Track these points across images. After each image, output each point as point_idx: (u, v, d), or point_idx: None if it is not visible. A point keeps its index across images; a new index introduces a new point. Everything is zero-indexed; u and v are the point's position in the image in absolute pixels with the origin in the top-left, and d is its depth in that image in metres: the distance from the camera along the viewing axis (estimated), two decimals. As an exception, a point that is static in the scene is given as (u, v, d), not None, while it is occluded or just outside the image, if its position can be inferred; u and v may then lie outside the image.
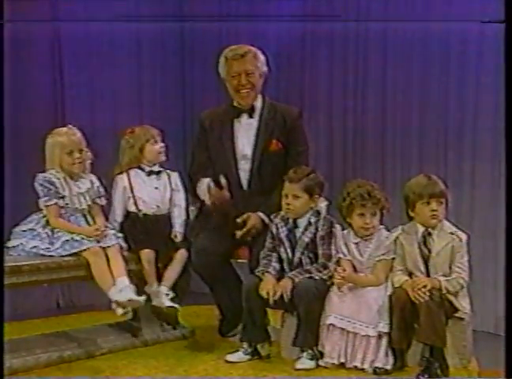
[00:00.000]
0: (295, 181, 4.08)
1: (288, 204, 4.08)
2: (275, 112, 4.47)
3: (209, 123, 4.51)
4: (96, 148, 4.39)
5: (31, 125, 5.21)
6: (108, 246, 4.10)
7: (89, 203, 4.24)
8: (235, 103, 4.46)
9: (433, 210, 3.86)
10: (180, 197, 4.48)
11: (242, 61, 4.38)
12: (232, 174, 4.43)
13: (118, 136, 4.50)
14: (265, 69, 4.48)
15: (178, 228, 4.41)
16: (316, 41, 5.54)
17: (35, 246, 4.06)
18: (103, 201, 4.33)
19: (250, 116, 4.44)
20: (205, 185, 4.39)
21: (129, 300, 3.96)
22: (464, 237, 3.86)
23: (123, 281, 4.02)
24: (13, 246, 4.09)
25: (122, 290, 3.97)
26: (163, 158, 4.44)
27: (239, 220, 4.30)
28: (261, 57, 4.46)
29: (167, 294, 4.22)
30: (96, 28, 5.63)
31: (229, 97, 4.50)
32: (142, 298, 4.02)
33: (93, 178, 4.31)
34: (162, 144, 4.42)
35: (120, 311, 3.98)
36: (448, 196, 3.90)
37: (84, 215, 4.22)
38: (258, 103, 4.48)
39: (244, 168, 4.44)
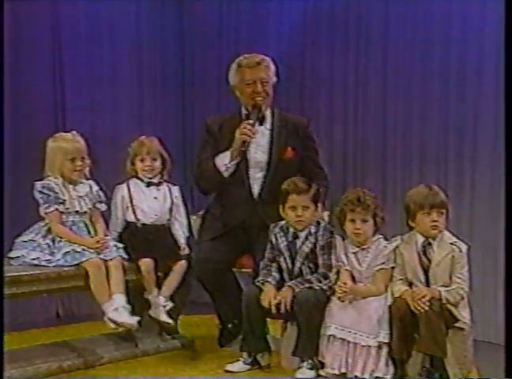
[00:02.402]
0: (305, 192, 4.08)
1: (299, 216, 4.07)
2: (286, 121, 4.48)
3: (218, 128, 4.48)
4: (96, 155, 4.39)
5: (31, 134, 5.19)
6: (109, 259, 4.11)
7: (90, 206, 4.24)
8: (244, 111, 4.44)
9: (433, 220, 3.85)
10: (181, 211, 4.48)
11: (257, 69, 4.38)
12: (243, 182, 4.41)
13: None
14: (275, 79, 4.48)
15: (183, 241, 4.41)
16: (316, 49, 5.54)
17: (36, 258, 4.06)
18: (103, 207, 4.33)
19: (261, 124, 4.43)
20: (226, 152, 4.34)
21: (123, 322, 4.00)
22: (464, 247, 3.85)
23: (120, 300, 4.03)
24: (15, 257, 4.09)
25: (117, 309, 3.99)
26: (149, 175, 4.40)
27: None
28: (273, 67, 4.46)
29: (165, 306, 4.22)
30: (96, 36, 5.64)
31: (235, 104, 4.50)
32: (136, 321, 4.02)
33: (92, 183, 4.31)
34: (148, 163, 4.38)
35: (112, 326, 4.01)
36: (448, 206, 3.89)
37: (86, 224, 4.22)
38: (268, 113, 4.47)
39: (255, 177, 4.42)
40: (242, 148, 4.30)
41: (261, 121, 4.43)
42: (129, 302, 4.12)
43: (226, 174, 4.37)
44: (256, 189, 4.42)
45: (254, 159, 4.41)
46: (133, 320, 4.01)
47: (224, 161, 4.35)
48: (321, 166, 4.51)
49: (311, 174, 4.36)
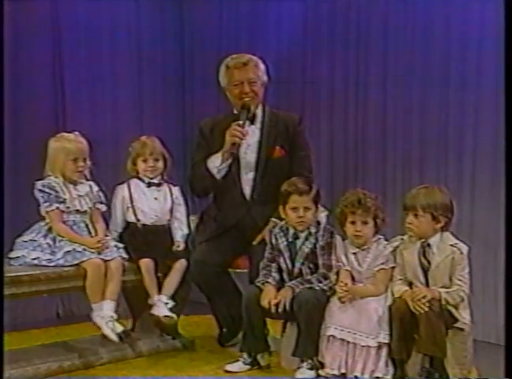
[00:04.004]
0: (306, 193, 4.06)
1: (301, 217, 4.05)
2: (277, 119, 4.48)
3: (210, 130, 4.51)
4: (96, 156, 4.40)
5: (31, 134, 5.19)
6: (110, 259, 4.11)
7: (90, 206, 4.24)
8: (235, 111, 4.46)
9: (407, 222, 3.86)
10: (181, 211, 4.48)
11: (244, 70, 4.39)
12: (235, 183, 4.42)
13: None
14: (265, 78, 4.50)
15: (179, 238, 4.41)
16: (316, 48, 5.54)
17: (36, 258, 4.06)
18: (103, 207, 4.34)
19: (252, 123, 4.43)
20: (217, 154, 4.35)
21: (106, 335, 4.05)
22: (465, 249, 3.83)
23: (109, 307, 4.05)
24: (16, 257, 4.09)
25: (104, 317, 4.03)
26: (151, 176, 4.40)
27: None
28: (262, 66, 4.48)
29: (167, 303, 4.23)
30: (96, 36, 5.64)
31: (229, 105, 4.51)
32: (116, 336, 4.04)
33: (92, 183, 4.31)
34: (151, 164, 4.38)
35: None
36: (435, 209, 3.80)
37: (86, 224, 4.22)
38: (259, 112, 4.48)
39: (247, 177, 4.43)
40: (232, 151, 4.31)
41: (252, 120, 4.44)
42: (127, 302, 4.14)
43: (218, 177, 4.38)
44: (248, 189, 4.43)
45: (244, 160, 4.43)
46: (113, 335, 4.04)
47: (216, 163, 4.36)
48: (307, 165, 4.49)
49: (293, 172, 4.34)
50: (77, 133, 4.26)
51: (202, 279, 4.31)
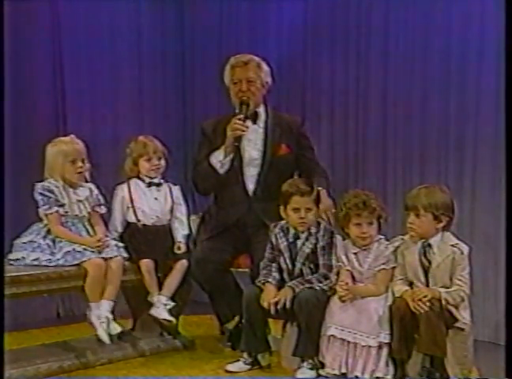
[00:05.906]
0: (308, 194, 4.06)
1: (303, 217, 4.06)
2: (280, 119, 4.52)
3: (212, 129, 4.52)
4: (96, 158, 4.40)
5: (32, 136, 5.19)
6: (110, 258, 4.12)
7: (89, 210, 4.25)
8: (237, 111, 4.47)
9: (409, 222, 3.87)
10: (181, 210, 4.49)
11: (244, 69, 4.43)
12: (238, 180, 4.43)
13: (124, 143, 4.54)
14: (268, 79, 4.52)
15: (180, 239, 4.41)
16: (317, 48, 5.54)
17: (36, 259, 4.06)
18: (102, 210, 4.34)
19: (254, 122, 4.44)
20: (219, 150, 4.38)
21: (99, 335, 4.05)
22: (465, 249, 3.83)
23: (106, 307, 4.05)
24: (15, 259, 4.09)
25: (100, 317, 4.03)
26: (155, 175, 4.41)
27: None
28: (265, 67, 4.50)
29: (166, 305, 4.23)
30: (96, 36, 5.64)
31: (231, 105, 4.52)
32: (108, 338, 4.05)
33: (92, 186, 4.32)
34: (156, 163, 4.39)
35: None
36: (437, 209, 3.80)
37: (85, 225, 4.23)
38: (262, 112, 4.50)
39: (250, 174, 4.45)
40: (235, 144, 4.34)
41: (255, 119, 4.46)
42: (127, 302, 4.12)
43: (222, 171, 4.39)
44: (251, 186, 4.45)
45: (248, 157, 4.45)
46: (105, 336, 4.04)
47: (219, 157, 4.39)
48: (318, 162, 4.57)
49: (309, 170, 4.43)
50: (72, 135, 4.28)
51: (203, 277, 4.31)
